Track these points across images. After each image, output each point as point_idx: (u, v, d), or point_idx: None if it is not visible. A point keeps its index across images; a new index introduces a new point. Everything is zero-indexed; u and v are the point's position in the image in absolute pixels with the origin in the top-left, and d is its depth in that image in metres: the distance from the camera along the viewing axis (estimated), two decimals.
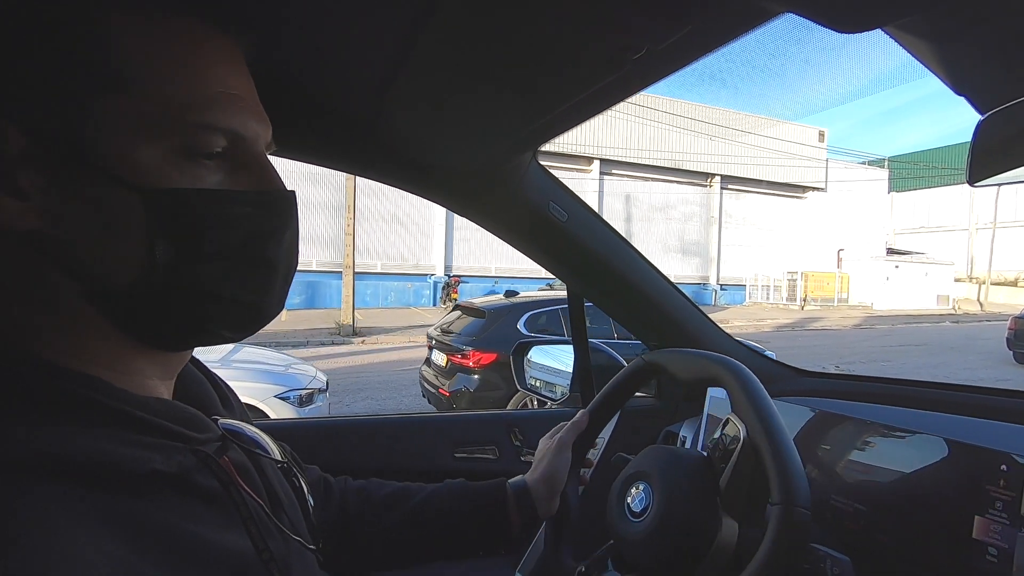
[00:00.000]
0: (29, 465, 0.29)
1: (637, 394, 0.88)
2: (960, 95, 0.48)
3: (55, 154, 0.33)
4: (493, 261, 17.45)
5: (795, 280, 20.55)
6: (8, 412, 0.31)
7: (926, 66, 0.45)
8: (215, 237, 0.37)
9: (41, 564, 0.26)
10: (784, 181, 21.64)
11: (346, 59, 0.55)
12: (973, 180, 0.55)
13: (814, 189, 22.65)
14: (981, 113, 0.49)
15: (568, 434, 0.78)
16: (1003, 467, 0.61)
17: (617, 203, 19.25)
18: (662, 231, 20.29)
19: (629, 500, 0.66)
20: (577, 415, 0.80)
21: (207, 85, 0.37)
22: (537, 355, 1.41)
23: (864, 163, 25.45)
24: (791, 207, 22.59)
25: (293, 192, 0.42)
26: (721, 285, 21.42)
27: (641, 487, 0.66)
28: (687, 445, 1.07)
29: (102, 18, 0.34)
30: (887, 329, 15.24)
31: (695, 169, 19.84)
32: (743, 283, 21.65)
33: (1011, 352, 9.64)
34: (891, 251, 26.48)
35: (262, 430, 0.49)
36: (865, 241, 23.67)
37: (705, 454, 0.67)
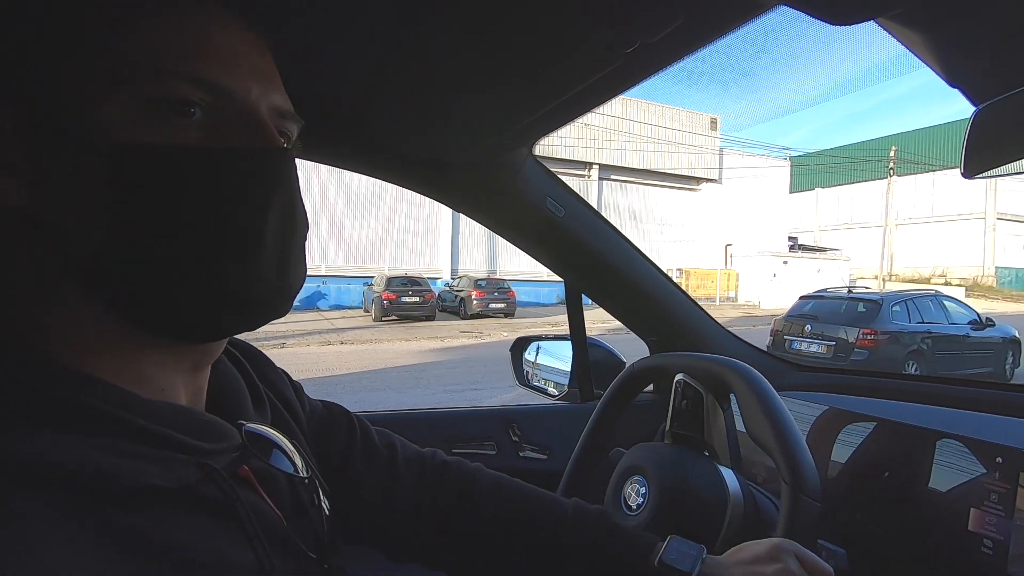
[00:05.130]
0: (5, 473, 0.27)
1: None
2: (954, 87, 0.48)
3: (38, 124, 0.33)
4: (323, 259, 16.35)
5: (679, 278, 18.96)
6: None
7: (919, 58, 0.45)
8: (183, 199, 0.33)
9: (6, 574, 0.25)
10: (674, 172, 20.21)
11: (335, 53, 0.55)
12: (969, 173, 0.55)
13: (708, 181, 21.36)
14: (975, 105, 0.49)
15: None
16: (999, 459, 0.61)
17: None
18: None
19: (625, 494, 0.67)
20: None
21: (185, 36, 0.34)
22: (535, 351, 1.41)
23: (765, 155, 24.15)
24: (684, 200, 21.11)
25: (286, 150, 0.37)
26: None
27: (637, 481, 0.66)
28: None
29: None
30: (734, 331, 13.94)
31: (568, 157, 18.22)
32: None
33: None
34: (803, 247, 25.93)
35: None
36: (765, 236, 22.30)
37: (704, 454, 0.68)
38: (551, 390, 1.34)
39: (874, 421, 0.75)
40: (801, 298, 8.67)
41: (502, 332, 11.98)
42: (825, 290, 9.00)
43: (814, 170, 32.43)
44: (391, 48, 0.52)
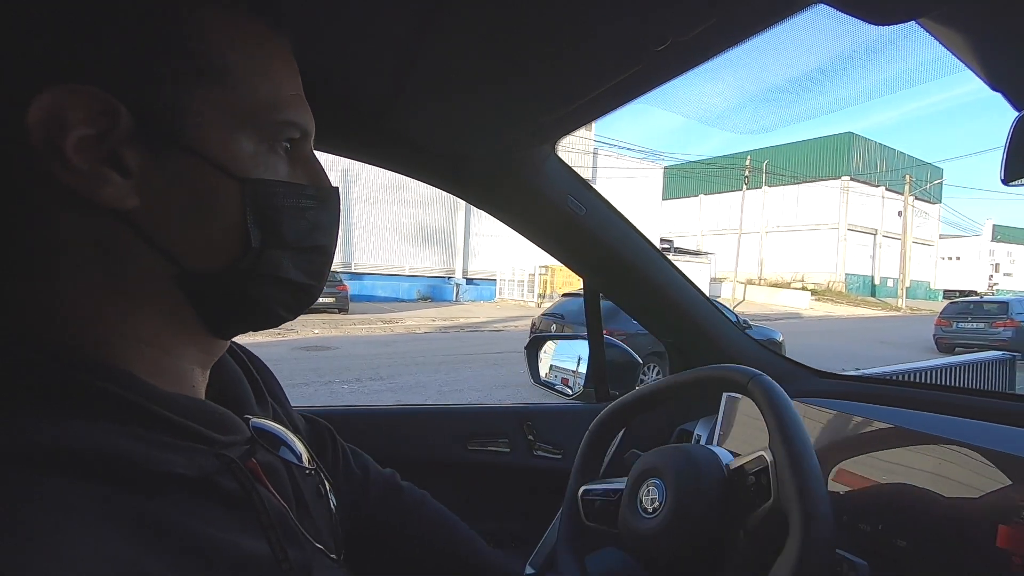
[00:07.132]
0: (32, 458, 0.28)
1: None
2: (996, 91, 0.46)
3: (159, 136, 0.35)
4: None
5: (544, 275, 18.26)
6: (20, 405, 0.30)
7: (961, 60, 0.44)
8: (292, 226, 0.40)
9: (32, 559, 0.25)
10: None
11: (361, 48, 0.55)
12: (1008, 179, 0.53)
13: None
14: (1017, 110, 0.47)
15: None
16: None
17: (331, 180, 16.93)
18: (394, 216, 17.45)
19: (641, 497, 0.66)
20: None
21: (287, 85, 0.40)
22: (551, 349, 1.41)
23: (640, 159, 23.74)
24: None
25: (338, 188, 0.46)
26: (468, 279, 19.33)
27: (654, 484, 0.66)
28: (702, 443, 1.06)
29: (201, 14, 0.36)
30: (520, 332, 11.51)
31: None
32: (495, 277, 19.61)
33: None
34: (679, 250, 25.96)
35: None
36: None
37: (718, 450, 0.67)
38: (566, 389, 1.34)
39: (894, 430, 0.74)
40: (563, 295, 8.83)
41: (314, 329, 10.97)
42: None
43: (691, 177, 33.99)
44: (419, 43, 0.52)
